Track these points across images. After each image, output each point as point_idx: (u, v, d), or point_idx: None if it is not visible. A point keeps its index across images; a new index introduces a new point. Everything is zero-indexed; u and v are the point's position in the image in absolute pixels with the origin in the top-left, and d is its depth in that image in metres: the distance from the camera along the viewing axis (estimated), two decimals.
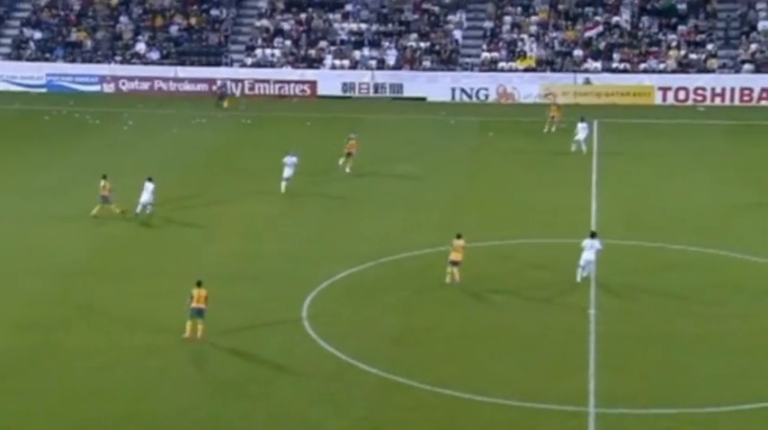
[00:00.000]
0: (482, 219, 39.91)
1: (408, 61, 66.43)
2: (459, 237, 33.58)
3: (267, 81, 65.00)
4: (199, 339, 28.85)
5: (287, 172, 42.37)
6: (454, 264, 33.19)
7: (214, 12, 69.09)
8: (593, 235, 33.81)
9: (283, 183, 42.34)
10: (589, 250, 33.15)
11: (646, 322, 30.50)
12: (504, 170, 47.65)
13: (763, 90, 61.08)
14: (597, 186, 44.14)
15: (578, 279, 33.23)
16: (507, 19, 68.18)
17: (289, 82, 64.91)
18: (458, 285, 32.94)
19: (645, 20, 66.70)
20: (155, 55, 66.48)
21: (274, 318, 30.73)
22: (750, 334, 29.49)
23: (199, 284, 29.09)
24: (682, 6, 66.93)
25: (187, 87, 63.90)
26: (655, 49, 64.90)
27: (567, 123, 53.16)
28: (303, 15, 69.24)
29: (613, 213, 40.51)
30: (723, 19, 66.25)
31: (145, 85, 64.09)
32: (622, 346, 28.96)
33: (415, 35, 67.78)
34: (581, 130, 49.94)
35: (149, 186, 39.57)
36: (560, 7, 68.16)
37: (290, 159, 42.66)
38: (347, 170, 45.95)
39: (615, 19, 66.94)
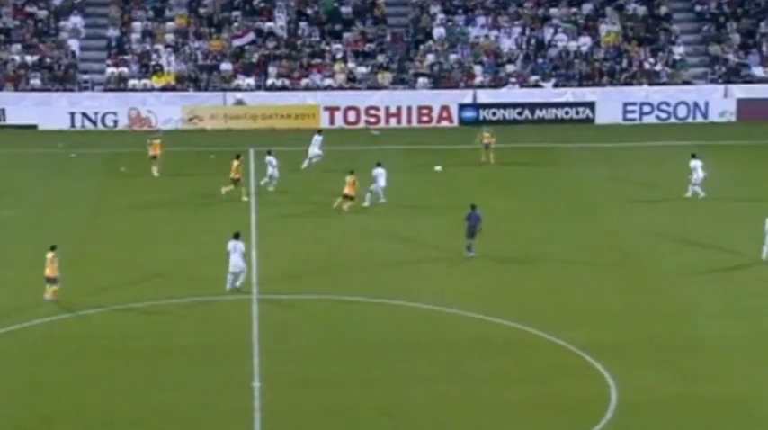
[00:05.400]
0: (115, 277, 39.73)
1: (11, 80, 64.98)
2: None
3: None
4: None
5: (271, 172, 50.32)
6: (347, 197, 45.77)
7: None
8: (236, 236, 37.94)
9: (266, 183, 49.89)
10: (234, 253, 37.52)
11: (320, 393, 31.38)
12: (141, 214, 47.59)
13: (443, 108, 64.77)
14: (257, 232, 45.03)
15: (228, 287, 37.75)
16: (137, 25, 68.32)
17: None
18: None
19: (304, 26, 68.94)
20: None
21: None
22: (436, 402, 30.99)
23: None
24: (346, 10, 69.79)
25: None
26: (318, 61, 67.21)
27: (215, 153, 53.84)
28: None
29: (277, 263, 41.46)
30: (394, 25, 69.73)
31: None
32: (294, 424, 29.67)
33: (18, 46, 66.42)
34: (315, 144, 54.13)
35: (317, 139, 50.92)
36: (201, 11, 69.14)
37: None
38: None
39: (269, 25, 68.71)
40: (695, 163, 49.77)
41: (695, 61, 68.62)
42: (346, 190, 46.99)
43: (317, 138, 54.36)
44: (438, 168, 54.63)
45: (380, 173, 48.25)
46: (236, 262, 37.70)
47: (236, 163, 49.30)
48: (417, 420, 29.98)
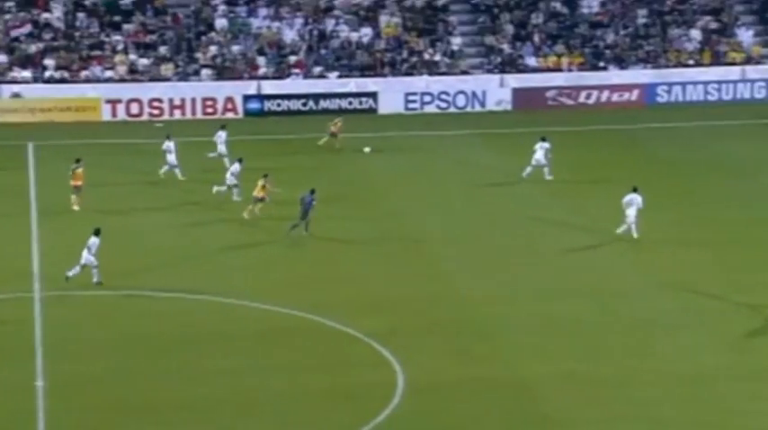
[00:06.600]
0: None
1: None
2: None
3: None
4: None
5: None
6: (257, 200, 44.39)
7: None
8: (95, 232, 37.77)
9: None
10: (84, 248, 37.44)
11: (109, 390, 30.81)
12: None
13: (227, 100, 64.31)
14: (39, 229, 43.83)
15: (67, 273, 37.53)
16: None
17: None
18: None
19: (82, 17, 67.43)
20: None
21: None
22: (229, 395, 30.78)
23: None
24: (125, 1, 68.54)
25: None
26: (98, 53, 65.85)
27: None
28: None
29: (63, 259, 40.36)
30: (175, 16, 68.81)
31: None
32: (82, 423, 29.06)
33: None
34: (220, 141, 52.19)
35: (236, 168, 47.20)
36: None
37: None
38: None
39: (45, 16, 66.97)
40: (542, 144, 50.80)
41: (472, 51, 69.94)
42: (255, 192, 45.18)
43: (221, 134, 52.26)
44: (367, 150, 55.54)
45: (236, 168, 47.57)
46: (84, 255, 37.42)
47: (78, 169, 46.15)
48: (213, 413, 29.75)
